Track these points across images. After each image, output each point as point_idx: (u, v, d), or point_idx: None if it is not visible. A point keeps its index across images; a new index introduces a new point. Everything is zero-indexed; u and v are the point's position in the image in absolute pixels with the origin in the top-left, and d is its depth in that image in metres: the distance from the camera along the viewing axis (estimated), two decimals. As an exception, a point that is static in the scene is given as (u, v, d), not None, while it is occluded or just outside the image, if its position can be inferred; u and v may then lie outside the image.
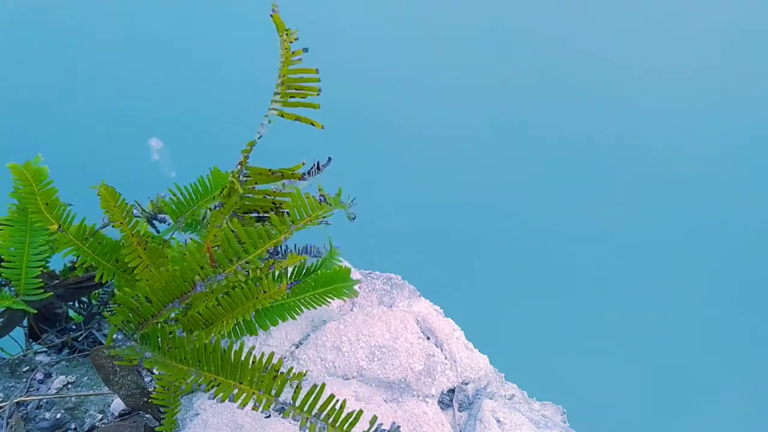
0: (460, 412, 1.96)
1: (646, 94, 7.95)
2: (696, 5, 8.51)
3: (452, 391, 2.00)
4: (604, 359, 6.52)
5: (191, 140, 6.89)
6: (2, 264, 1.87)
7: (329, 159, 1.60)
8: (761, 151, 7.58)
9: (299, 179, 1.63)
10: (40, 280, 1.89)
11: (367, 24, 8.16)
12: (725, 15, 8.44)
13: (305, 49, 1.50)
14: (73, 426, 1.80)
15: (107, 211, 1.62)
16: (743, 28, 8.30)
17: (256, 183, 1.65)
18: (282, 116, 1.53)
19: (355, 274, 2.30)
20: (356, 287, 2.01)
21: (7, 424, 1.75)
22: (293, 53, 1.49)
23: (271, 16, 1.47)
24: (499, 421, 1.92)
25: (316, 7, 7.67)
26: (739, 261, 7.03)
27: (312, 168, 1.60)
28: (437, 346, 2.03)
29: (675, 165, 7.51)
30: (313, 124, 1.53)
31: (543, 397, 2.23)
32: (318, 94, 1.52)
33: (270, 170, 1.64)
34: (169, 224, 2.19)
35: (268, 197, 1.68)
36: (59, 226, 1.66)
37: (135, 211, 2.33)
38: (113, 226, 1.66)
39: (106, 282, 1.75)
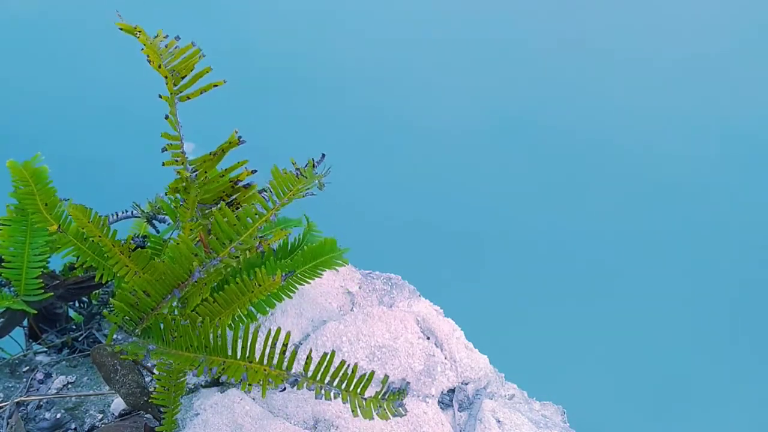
0: (460, 412, 1.96)
1: (649, 95, 7.95)
2: (688, 5, 8.52)
3: (452, 391, 2.00)
4: (604, 359, 6.51)
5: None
6: (2, 264, 1.87)
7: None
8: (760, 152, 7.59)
9: (238, 145, 1.62)
10: (41, 280, 1.89)
11: (371, 23, 8.15)
12: (721, 16, 8.44)
13: (177, 37, 1.49)
14: (73, 426, 1.80)
15: (83, 229, 1.61)
16: (740, 28, 8.30)
17: (205, 172, 1.64)
18: (189, 98, 1.52)
19: (355, 274, 2.30)
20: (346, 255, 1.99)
21: (7, 424, 1.75)
22: (167, 46, 1.47)
23: (117, 24, 1.44)
24: (499, 421, 1.92)
25: (317, 5, 7.66)
26: (739, 263, 7.02)
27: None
28: (437, 346, 2.03)
29: (676, 168, 7.51)
30: (217, 85, 1.52)
31: (543, 397, 2.23)
32: (203, 57, 1.49)
33: (211, 153, 1.63)
34: (169, 224, 2.20)
35: (223, 177, 1.67)
36: (59, 227, 1.65)
37: (135, 212, 2.33)
38: (93, 241, 1.64)
39: (107, 282, 1.75)
